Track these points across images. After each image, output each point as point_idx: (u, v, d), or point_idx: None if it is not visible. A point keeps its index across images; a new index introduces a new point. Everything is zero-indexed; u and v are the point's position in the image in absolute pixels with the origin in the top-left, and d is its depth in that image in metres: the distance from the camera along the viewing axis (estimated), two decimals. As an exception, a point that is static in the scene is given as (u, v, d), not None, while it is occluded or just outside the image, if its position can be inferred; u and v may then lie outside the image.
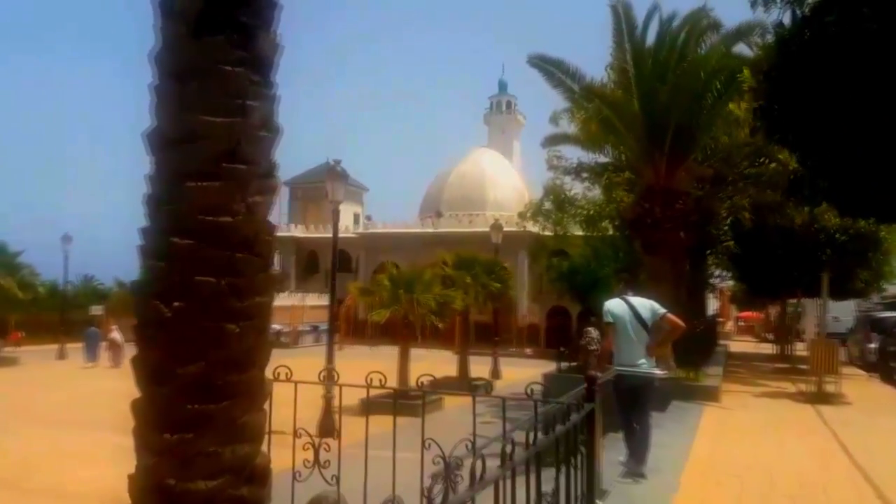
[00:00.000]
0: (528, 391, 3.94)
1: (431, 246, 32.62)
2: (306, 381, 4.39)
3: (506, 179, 51.42)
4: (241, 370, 2.62)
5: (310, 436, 4.32)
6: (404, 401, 18.08)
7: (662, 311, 6.60)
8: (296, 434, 4.22)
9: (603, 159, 17.35)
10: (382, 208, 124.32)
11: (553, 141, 16.27)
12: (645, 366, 6.53)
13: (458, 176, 51.32)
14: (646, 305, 6.63)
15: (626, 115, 12.66)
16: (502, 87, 65.34)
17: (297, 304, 42.14)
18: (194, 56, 2.58)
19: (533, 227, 27.66)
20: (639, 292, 6.92)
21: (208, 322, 2.54)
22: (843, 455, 7.97)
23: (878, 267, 18.42)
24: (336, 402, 15.11)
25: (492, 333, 26.84)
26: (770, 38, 8.19)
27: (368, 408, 4.16)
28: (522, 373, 21.17)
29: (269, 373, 4.34)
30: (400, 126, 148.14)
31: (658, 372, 6.64)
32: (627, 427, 6.71)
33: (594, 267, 25.67)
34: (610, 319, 6.57)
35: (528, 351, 33.67)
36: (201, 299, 2.53)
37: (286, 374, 4.18)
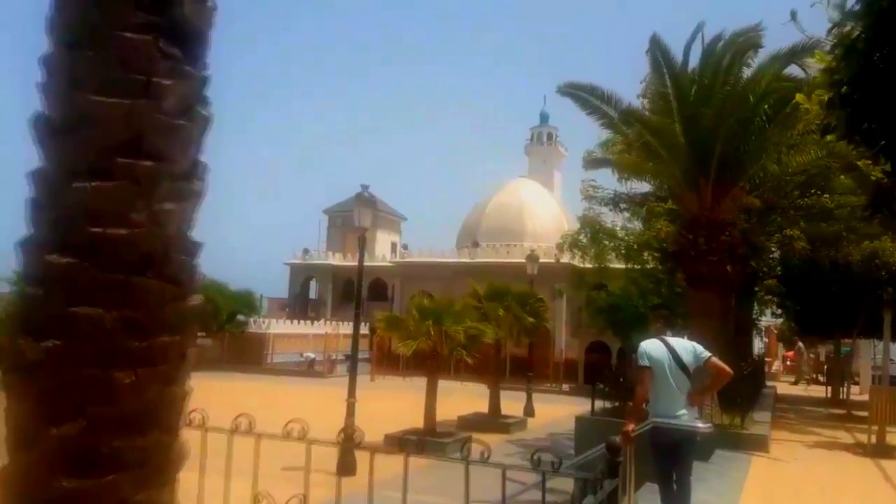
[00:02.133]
0: (535, 459, 3.22)
1: (468, 276, 31.96)
2: (268, 433, 3.71)
3: (545, 210, 50.65)
4: (137, 433, 1.98)
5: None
6: (433, 439, 17.27)
7: (707, 354, 5.78)
8: (256, 501, 3.53)
9: (642, 189, 16.59)
10: (421, 238, 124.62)
11: (594, 164, 15.55)
12: (686, 417, 5.71)
13: (497, 206, 50.78)
14: (687, 348, 5.82)
15: (668, 140, 11.90)
16: (543, 118, 65.18)
17: (331, 332, 41.82)
18: (90, 19, 1.99)
19: (571, 259, 26.81)
20: (679, 332, 6.13)
21: (92, 368, 1.91)
22: (916, 523, 6.97)
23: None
24: (358, 439, 14.45)
25: (528, 368, 25.93)
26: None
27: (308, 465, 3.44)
28: (557, 410, 20.20)
29: (228, 422, 3.72)
30: (441, 155, 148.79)
31: (701, 425, 5.80)
32: (665, 487, 5.87)
33: (636, 301, 24.66)
34: (646, 363, 5.78)
35: (565, 387, 32.54)
36: (83, 337, 1.91)
37: (248, 424, 3.51)
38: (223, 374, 33.58)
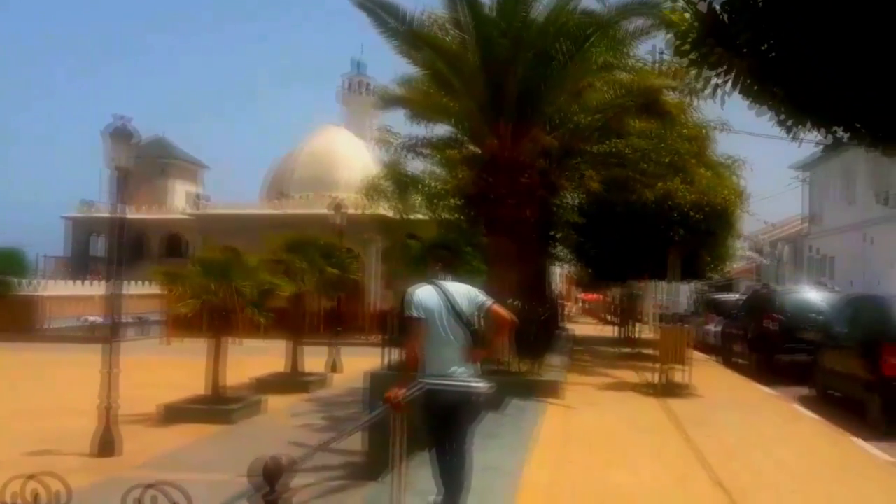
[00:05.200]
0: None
1: (276, 229, 30.01)
2: None
3: (359, 160, 49.09)
4: None
5: None
6: (217, 406, 15.58)
7: (485, 300, 4.85)
8: None
9: (442, 133, 15.79)
10: (228, 189, 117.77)
11: (389, 102, 14.36)
12: (462, 375, 4.76)
13: (308, 155, 48.50)
14: (465, 293, 4.85)
15: (464, 69, 11.00)
16: (358, 65, 63.19)
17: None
18: None
19: (381, 209, 25.81)
20: (461, 276, 5.13)
21: None
22: (702, 468, 6.72)
23: (722, 247, 18.16)
24: (126, 411, 12.45)
25: (337, 322, 24.82)
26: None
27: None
28: (366, 364, 19.32)
29: None
30: (251, 102, 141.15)
31: (478, 384, 4.85)
32: (440, 458, 4.91)
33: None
34: (416, 313, 4.74)
35: (373, 340, 31.86)
36: None
37: None
38: (-19, 344, 29.07)
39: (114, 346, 11.98)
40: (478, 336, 4.85)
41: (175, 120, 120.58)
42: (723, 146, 18.30)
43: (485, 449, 6.96)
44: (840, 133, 3.24)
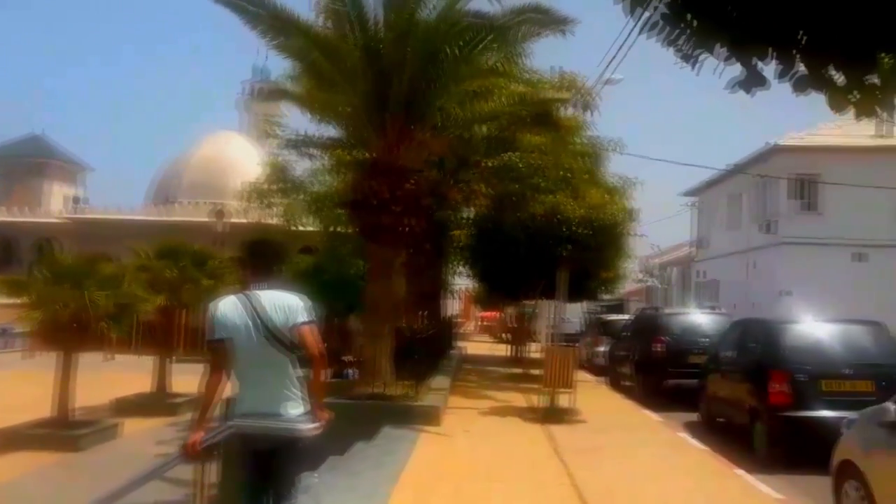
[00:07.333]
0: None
1: (160, 236, 27.91)
2: None
3: (253, 167, 46.92)
4: None
5: None
6: (62, 431, 13.72)
7: (302, 316, 3.79)
8: None
9: (331, 133, 14.76)
10: (116, 193, 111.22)
11: (271, 95, 13.18)
12: (285, 413, 3.76)
13: (198, 160, 46.03)
14: (282, 304, 3.81)
15: (345, 64, 10.05)
16: (261, 72, 60.96)
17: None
18: None
19: (267, 216, 24.37)
20: (282, 282, 4.11)
21: None
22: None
23: (613, 268, 17.96)
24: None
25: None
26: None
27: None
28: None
29: None
30: (144, 105, 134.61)
31: (300, 425, 3.84)
32: (253, 514, 3.89)
33: (344, 264, 23.11)
34: (218, 334, 3.73)
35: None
36: None
37: None
38: None
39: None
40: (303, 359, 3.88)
41: (58, 118, 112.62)
42: (621, 169, 18.30)
43: (339, 490, 6.02)
44: (766, 60, 2.45)
